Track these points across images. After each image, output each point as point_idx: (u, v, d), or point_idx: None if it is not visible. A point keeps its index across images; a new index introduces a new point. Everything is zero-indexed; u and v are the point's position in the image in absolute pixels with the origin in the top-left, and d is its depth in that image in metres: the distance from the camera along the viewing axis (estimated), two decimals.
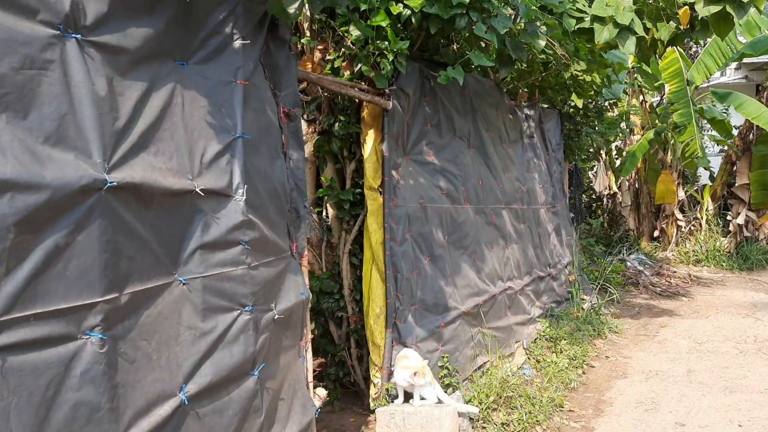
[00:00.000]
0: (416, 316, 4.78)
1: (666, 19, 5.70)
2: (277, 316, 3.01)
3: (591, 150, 11.21)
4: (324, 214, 5.10)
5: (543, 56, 6.15)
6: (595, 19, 5.21)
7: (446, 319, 5.05)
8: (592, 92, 6.92)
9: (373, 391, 4.65)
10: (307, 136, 4.81)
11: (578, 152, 10.00)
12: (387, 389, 4.53)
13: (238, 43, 2.76)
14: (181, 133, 2.43)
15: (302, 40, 4.58)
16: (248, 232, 2.76)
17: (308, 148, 4.87)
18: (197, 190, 2.46)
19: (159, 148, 2.30)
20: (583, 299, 8.53)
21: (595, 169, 15.23)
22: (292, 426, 3.07)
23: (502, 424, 4.84)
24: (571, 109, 9.35)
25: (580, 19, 5.40)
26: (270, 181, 3.05)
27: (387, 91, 4.45)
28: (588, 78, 6.19)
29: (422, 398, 4.39)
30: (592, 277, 9.43)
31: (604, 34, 5.17)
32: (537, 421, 4.97)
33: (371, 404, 4.60)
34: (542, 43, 4.91)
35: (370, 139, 4.61)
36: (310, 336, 3.44)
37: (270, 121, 3.07)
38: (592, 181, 15.57)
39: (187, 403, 2.36)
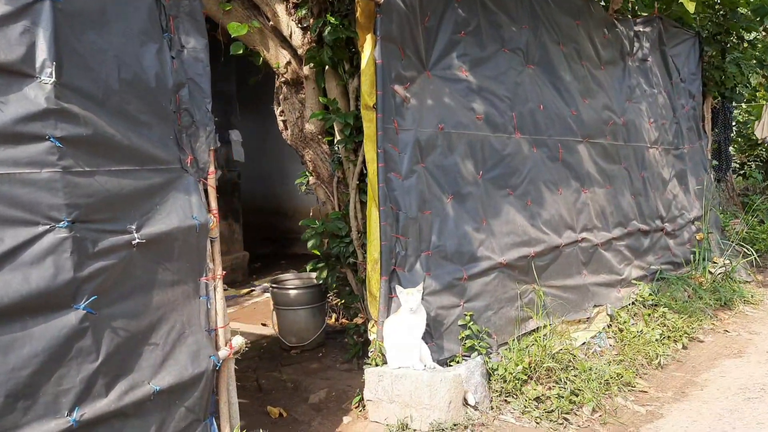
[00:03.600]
0: (428, 264, 3.94)
1: None
2: (137, 241, 2.39)
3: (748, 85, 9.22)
4: (336, 142, 4.39)
5: None
6: None
7: (472, 271, 4.14)
8: None
9: (371, 348, 3.92)
10: (303, 47, 4.10)
11: (727, 86, 8.19)
12: (380, 347, 3.78)
13: None
14: None
15: None
16: (63, 126, 2.16)
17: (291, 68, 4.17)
18: None
19: None
20: (715, 263, 6.99)
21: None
22: (164, 376, 2.47)
23: (536, 399, 3.89)
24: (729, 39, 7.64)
25: None
26: (130, 69, 2.42)
27: None
28: None
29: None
30: (734, 238, 7.73)
31: None
32: (584, 399, 3.94)
33: (367, 364, 3.88)
34: None
35: (367, 46, 3.79)
36: (220, 272, 2.80)
37: None
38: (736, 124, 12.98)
39: None
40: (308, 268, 4.64)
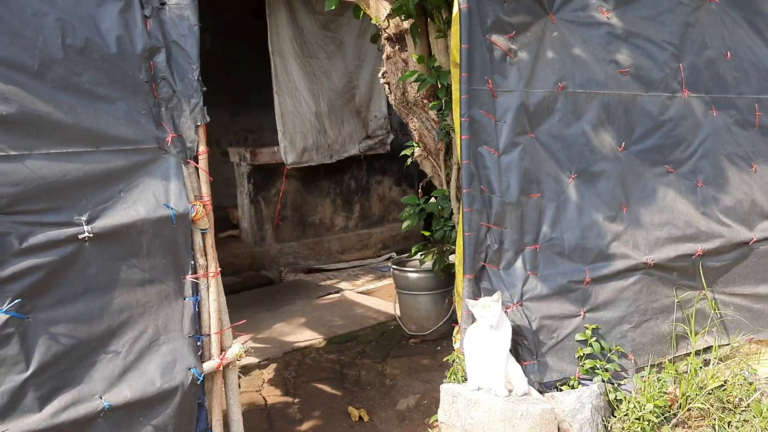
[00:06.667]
0: (534, 261, 3.13)
1: None
2: (87, 234, 2.07)
3: None
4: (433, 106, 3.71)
5: None
6: None
7: (600, 272, 3.21)
8: None
9: (451, 358, 3.27)
10: None
11: None
12: (461, 360, 3.11)
13: None
14: None
15: None
16: None
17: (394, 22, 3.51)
18: None
19: None
20: None
21: None
22: (122, 390, 2.15)
23: None
24: None
25: None
26: (81, 33, 2.09)
27: None
28: None
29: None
30: None
31: None
32: None
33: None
34: None
35: None
36: (214, 269, 2.38)
37: None
38: None
39: None
40: (413, 250, 4.06)
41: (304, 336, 4.86)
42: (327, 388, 3.95)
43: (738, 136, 3.59)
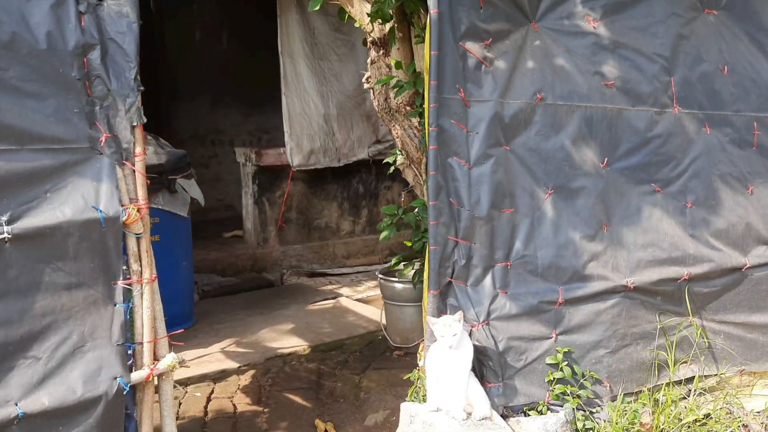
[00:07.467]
0: (505, 278, 3.00)
1: None
2: (6, 235, 2.03)
3: None
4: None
5: None
6: None
7: (575, 293, 3.07)
8: None
9: (413, 376, 3.16)
10: None
11: None
12: (423, 378, 3.00)
13: None
14: None
15: None
16: None
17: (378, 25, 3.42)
18: None
19: None
20: None
21: None
22: (40, 397, 2.09)
23: None
24: None
25: None
26: (7, 28, 2.07)
27: None
28: None
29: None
30: None
31: None
32: None
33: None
34: None
35: None
36: (149, 275, 2.31)
37: None
38: None
39: None
40: (393, 261, 3.96)
41: (290, 342, 4.79)
42: (299, 399, 3.87)
43: (733, 155, 3.40)
